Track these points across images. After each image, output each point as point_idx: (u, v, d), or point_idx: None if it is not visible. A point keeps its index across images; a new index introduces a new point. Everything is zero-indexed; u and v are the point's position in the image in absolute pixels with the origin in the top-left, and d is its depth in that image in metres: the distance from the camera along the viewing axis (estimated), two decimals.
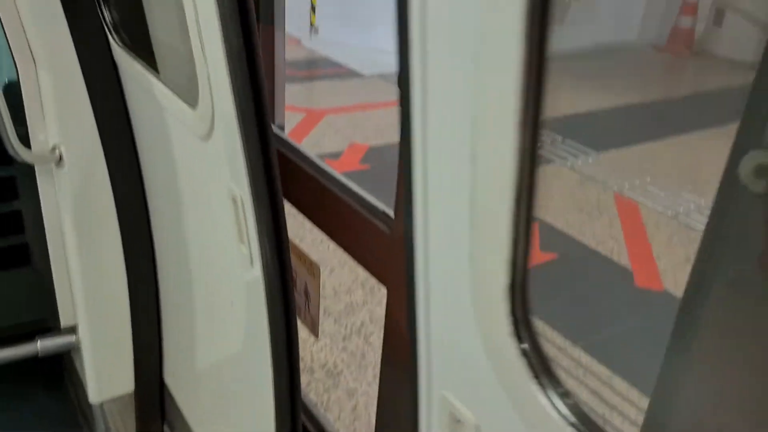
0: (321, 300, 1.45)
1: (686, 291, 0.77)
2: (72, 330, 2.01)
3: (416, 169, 0.73)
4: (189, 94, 1.18)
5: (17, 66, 1.67)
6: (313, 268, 1.39)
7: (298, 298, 1.44)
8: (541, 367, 0.67)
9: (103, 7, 1.48)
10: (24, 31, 1.61)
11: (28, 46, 1.62)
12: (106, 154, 1.63)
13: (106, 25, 1.49)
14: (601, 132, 5.83)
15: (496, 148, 0.61)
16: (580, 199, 4.57)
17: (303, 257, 1.41)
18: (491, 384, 0.72)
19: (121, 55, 1.53)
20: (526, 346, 0.67)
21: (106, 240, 1.77)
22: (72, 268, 1.87)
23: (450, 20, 0.62)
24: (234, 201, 1.14)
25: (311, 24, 7.84)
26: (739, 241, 0.72)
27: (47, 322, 2.01)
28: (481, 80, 0.60)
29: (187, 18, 1.09)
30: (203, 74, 1.10)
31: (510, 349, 0.67)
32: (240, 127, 1.00)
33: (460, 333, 0.74)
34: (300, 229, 2.50)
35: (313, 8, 7.79)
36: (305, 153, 1.37)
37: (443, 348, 0.80)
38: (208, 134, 1.16)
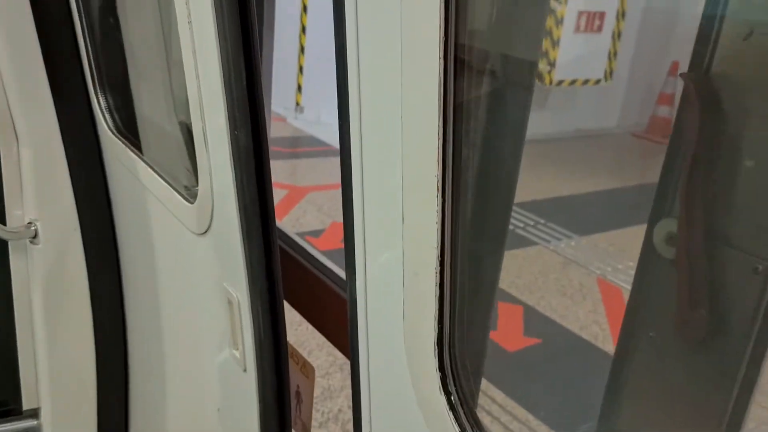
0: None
1: (616, 351, 0.86)
2: (34, 414, 1.91)
3: (357, 234, 0.78)
4: (185, 186, 1.16)
5: None
6: (306, 369, 1.30)
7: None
8: (469, 421, 0.71)
9: (97, 91, 1.48)
10: (9, 107, 1.61)
11: (12, 123, 1.61)
12: (83, 235, 1.60)
13: (100, 109, 1.49)
14: (582, 216, 5.90)
15: (422, 214, 0.68)
16: (563, 283, 4.56)
17: (296, 356, 1.32)
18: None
19: (110, 140, 1.51)
20: (453, 399, 0.71)
21: (76, 322, 1.71)
22: (38, 348, 1.79)
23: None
24: (229, 302, 1.05)
25: (297, 103, 8.02)
26: (657, 303, 0.80)
27: (8, 404, 1.91)
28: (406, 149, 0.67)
29: (190, 106, 1.05)
30: (204, 167, 1.04)
31: (438, 402, 0.72)
32: (241, 223, 0.94)
33: (398, 388, 0.78)
34: None
35: (299, 88, 7.99)
36: (283, 230, 1.35)
37: (382, 407, 0.84)
38: (206, 230, 1.09)
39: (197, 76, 0.99)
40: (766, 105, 0.74)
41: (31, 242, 1.74)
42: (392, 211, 0.71)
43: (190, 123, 1.07)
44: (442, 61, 0.60)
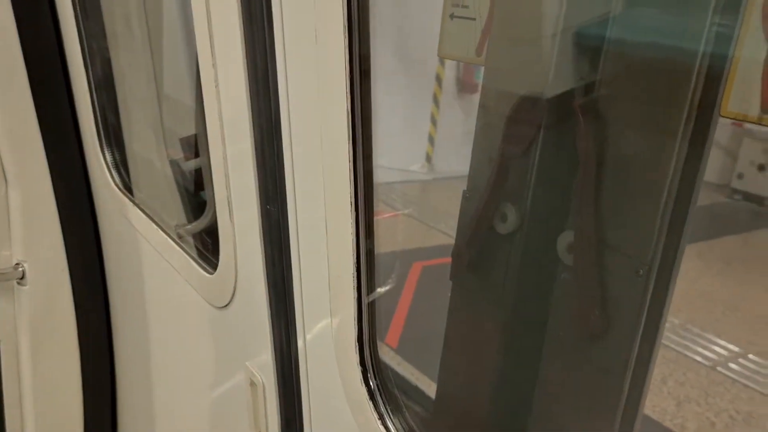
0: None
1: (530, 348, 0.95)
2: None
3: (293, 244, 0.86)
4: (200, 253, 1.10)
5: None
6: None
7: None
8: (387, 408, 0.81)
9: (104, 147, 1.45)
10: None
11: (1, 164, 1.60)
12: (71, 277, 1.57)
13: (106, 164, 1.46)
14: None
15: (339, 229, 0.78)
16: None
17: None
18: (351, 424, 0.84)
19: (112, 193, 1.48)
20: (372, 389, 0.81)
21: (63, 366, 1.67)
22: (24, 393, 1.76)
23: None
24: (252, 383, 0.97)
25: None
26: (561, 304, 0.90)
27: None
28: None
29: (213, 170, 0.98)
30: (227, 237, 0.97)
31: (360, 393, 0.81)
32: (269, 299, 0.89)
33: (330, 382, 0.87)
34: None
35: None
36: None
37: (319, 400, 0.92)
38: (227, 304, 1.03)
39: (223, 142, 0.94)
40: (641, 128, 0.83)
41: (18, 283, 1.71)
42: (319, 224, 0.81)
43: (211, 187, 1.02)
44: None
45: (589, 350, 0.88)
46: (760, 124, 0.80)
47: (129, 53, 1.55)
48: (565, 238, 0.90)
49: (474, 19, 1.13)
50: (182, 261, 1.17)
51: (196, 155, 1.61)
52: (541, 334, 0.93)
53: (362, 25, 0.72)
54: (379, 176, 0.83)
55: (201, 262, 1.13)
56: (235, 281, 0.99)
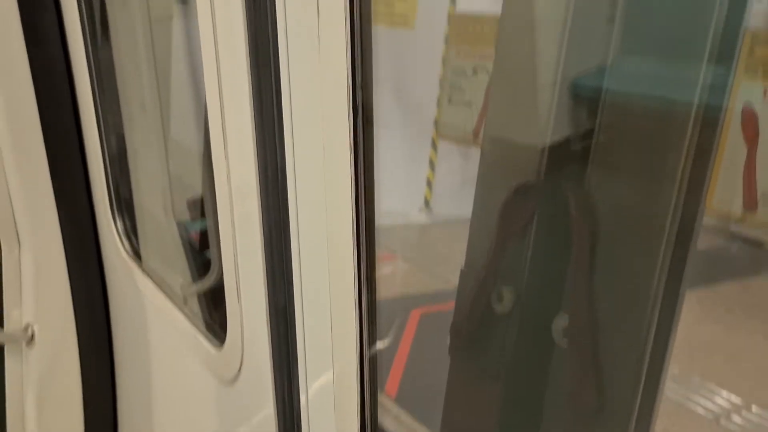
0: None
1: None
2: None
3: (297, 298, 0.89)
4: (207, 324, 1.12)
5: (0, 244, 1.69)
6: None
7: None
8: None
9: (115, 215, 1.50)
10: (13, 212, 1.64)
11: (15, 227, 1.65)
12: (79, 342, 1.60)
13: (116, 231, 1.50)
14: None
15: (343, 286, 0.81)
16: None
17: None
18: None
19: (125, 263, 1.52)
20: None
21: (67, 430, 1.69)
22: None
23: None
24: None
25: None
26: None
27: None
28: None
29: (222, 247, 1.00)
30: (235, 317, 1.00)
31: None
32: (275, 376, 0.92)
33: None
34: None
35: None
36: None
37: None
38: (232, 380, 1.04)
39: (233, 225, 0.98)
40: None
41: (27, 345, 1.74)
42: (322, 277, 0.85)
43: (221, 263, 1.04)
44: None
45: (585, 428, 0.91)
46: (742, 223, 0.85)
47: (141, 125, 1.61)
48: (560, 322, 0.93)
49: (470, 103, 1.19)
50: (189, 334, 1.20)
51: (202, 215, 1.66)
52: (538, 414, 0.96)
53: (365, 75, 0.75)
54: (378, 220, 0.86)
55: (208, 334, 1.16)
56: (242, 356, 1.01)
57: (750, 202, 0.81)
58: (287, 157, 0.86)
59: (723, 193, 0.84)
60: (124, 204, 1.60)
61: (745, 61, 0.80)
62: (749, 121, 0.79)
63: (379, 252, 0.83)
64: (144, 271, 1.44)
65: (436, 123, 1.23)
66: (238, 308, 1.01)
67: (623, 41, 0.85)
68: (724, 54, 0.75)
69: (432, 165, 7.04)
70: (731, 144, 0.82)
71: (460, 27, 1.20)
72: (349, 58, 0.72)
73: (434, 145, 6.75)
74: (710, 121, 0.78)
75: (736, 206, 0.83)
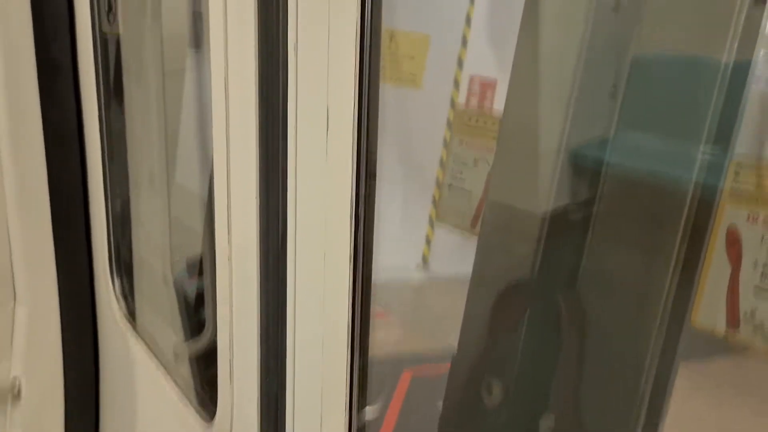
0: None
1: None
2: None
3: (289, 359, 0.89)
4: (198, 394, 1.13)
5: None
6: None
7: None
8: None
9: (113, 276, 1.52)
10: (11, 265, 1.66)
11: (12, 280, 1.66)
12: (65, 400, 1.60)
13: (114, 293, 1.52)
14: None
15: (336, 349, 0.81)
16: None
17: None
18: None
19: (119, 324, 1.53)
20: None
21: None
22: None
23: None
24: None
25: None
26: None
27: None
28: None
29: (218, 323, 1.02)
30: (226, 397, 1.00)
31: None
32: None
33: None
34: None
35: None
36: None
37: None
38: None
39: (231, 310, 0.99)
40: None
41: (12, 398, 1.73)
42: (316, 341, 0.85)
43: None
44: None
45: None
46: (726, 340, 0.87)
47: (147, 188, 1.64)
48: (547, 421, 0.95)
49: (470, 191, 1.23)
50: (178, 406, 1.20)
51: (200, 275, 1.68)
52: None
53: (370, 142, 0.77)
54: (374, 276, 0.86)
55: (198, 407, 1.16)
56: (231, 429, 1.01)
57: (733, 321, 0.83)
58: (289, 221, 0.87)
59: (708, 310, 0.86)
60: (123, 263, 1.62)
61: (730, 187, 0.84)
62: (734, 243, 0.82)
63: (373, 309, 0.84)
64: (138, 334, 1.45)
65: (435, 204, 1.26)
66: (229, 383, 1.01)
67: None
68: (722, 136, 0.78)
69: (432, 222, 7.10)
70: (716, 263, 0.85)
71: (464, 118, 1.24)
72: (355, 116, 0.74)
73: (435, 203, 6.83)
74: (699, 234, 0.81)
75: (720, 324, 0.86)
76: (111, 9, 1.43)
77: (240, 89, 0.90)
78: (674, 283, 0.85)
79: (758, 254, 0.78)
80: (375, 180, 0.80)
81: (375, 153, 0.79)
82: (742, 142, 0.83)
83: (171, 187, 1.68)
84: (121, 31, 1.47)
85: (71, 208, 1.59)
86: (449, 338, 1.08)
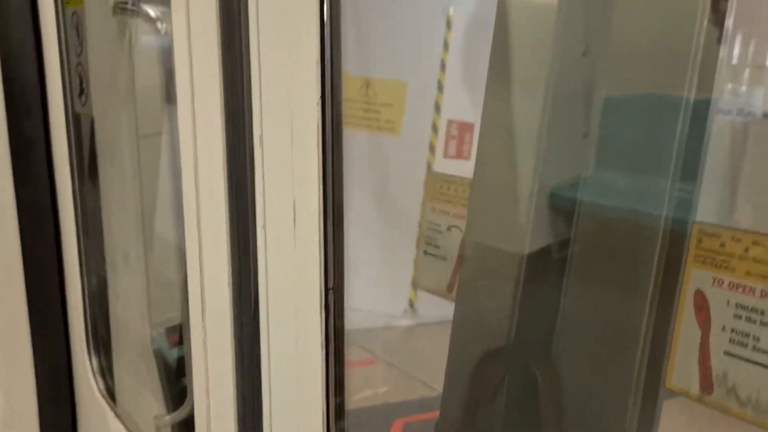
0: None
1: None
2: None
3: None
4: None
5: None
6: None
7: None
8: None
9: (91, 354, 1.50)
10: None
11: None
12: None
13: (92, 371, 1.50)
14: None
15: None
16: None
17: None
18: None
19: (98, 403, 1.51)
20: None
21: None
22: None
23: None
24: None
25: None
26: None
27: None
28: None
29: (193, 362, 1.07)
30: None
31: None
32: None
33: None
34: None
35: None
36: None
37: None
38: None
39: (204, 332, 1.01)
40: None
41: None
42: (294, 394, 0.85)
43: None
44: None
45: None
46: (701, 403, 0.88)
47: (123, 265, 1.64)
48: None
49: (445, 259, 1.24)
50: None
51: (180, 343, 1.66)
52: None
53: (336, 176, 0.78)
54: (359, 322, 0.88)
55: None
56: None
57: (705, 386, 0.84)
58: (260, 280, 0.88)
59: (681, 372, 0.87)
60: (100, 339, 1.60)
61: (693, 252, 0.85)
62: (702, 307, 0.83)
63: (361, 356, 0.83)
64: (117, 415, 1.42)
65: (413, 270, 1.27)
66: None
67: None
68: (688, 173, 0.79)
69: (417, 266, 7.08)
70: (686, 326, 0.85)
71: (436, 185, 1.25)
72: (320, 160, 0.76)
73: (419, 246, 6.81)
74: (668, 298, 0.83)
75: (694, 387, 0.86)
76: (83, 92, 1.44)
77: (208, 131, 0.92)
78: (647, 346, 0.86)
79: (725, 319, 0.79)
80: (342, 229, 0.81)
81: (341, 199, 0.80)
82: (704, 205, 0.85)
83: (148, 258, 1.67)
84: (94, 113, 1.49)
85: (46, 286, 1.58)
86: (439, 385, 1.07)
